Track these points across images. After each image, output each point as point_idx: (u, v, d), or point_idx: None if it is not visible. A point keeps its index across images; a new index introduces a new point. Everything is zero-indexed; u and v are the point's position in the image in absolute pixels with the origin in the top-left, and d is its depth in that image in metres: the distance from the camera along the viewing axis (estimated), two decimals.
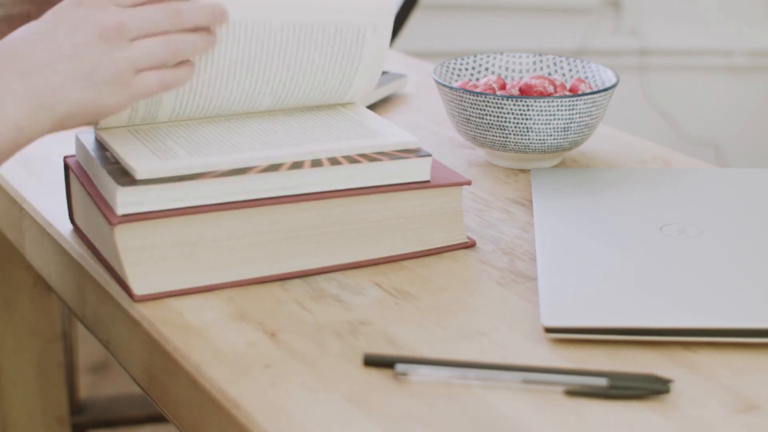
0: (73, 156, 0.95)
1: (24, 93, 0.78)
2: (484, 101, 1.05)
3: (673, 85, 2.91)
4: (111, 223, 0.83)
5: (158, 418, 1.89)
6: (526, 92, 1.09)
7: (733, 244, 0.90)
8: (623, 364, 0.77)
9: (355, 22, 0.92)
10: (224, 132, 0.90)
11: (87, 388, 2.18)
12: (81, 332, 1.93)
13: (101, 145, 0.90)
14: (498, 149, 1.08)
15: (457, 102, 1.07)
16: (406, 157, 0.89)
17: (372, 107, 1.26)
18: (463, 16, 2.79)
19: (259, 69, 0.91)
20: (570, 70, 1.16)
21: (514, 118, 1.05)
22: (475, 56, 1.17)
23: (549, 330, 0.79)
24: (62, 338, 1.57)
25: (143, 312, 0.83)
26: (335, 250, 0.89)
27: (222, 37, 0.88)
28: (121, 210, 0.83)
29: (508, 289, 0.87)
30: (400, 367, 0.75)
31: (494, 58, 1.18)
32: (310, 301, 0.85)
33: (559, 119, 1.05)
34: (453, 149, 1.15)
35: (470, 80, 1.16)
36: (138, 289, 0.84)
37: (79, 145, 0.92)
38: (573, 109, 1.05)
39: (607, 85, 1.10)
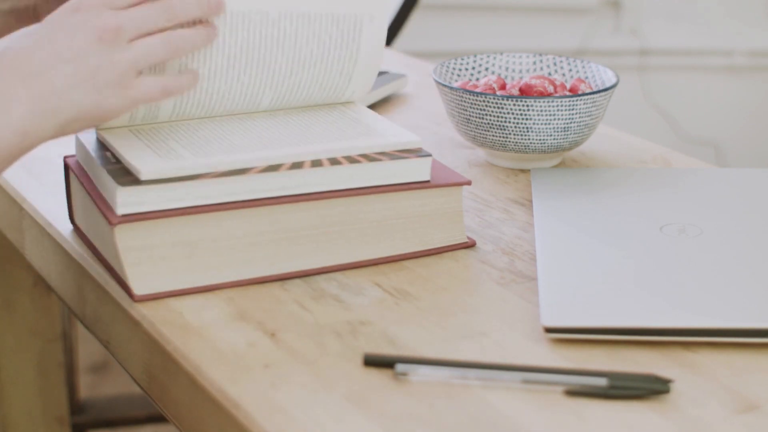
0: (73, 156, 0.95)
1: (28, 98, 0.79)
2: (484, 101, 1.05)
3: (673, 85, 2.91)
4: (111, 223, 0.83)
5: (158, 418, 1.89)
6: (526, 92, 1.09)
7: (733, 244, 0.90)
8: (623, 364, 0.77)
9: (351, 11, 0.93)
10: (226, 132, 0.90)
11: (87, 388, 2.18)
12: (81, 332, 1.93)
13: (101, 145, 0.90)
14: (498, 149, 1.08)
15: (457, 102, 1.07)
16: (406, 157, 0.89)
17: (372, 107, 1.26)
18: (463, 16, 2.79)
19: (258, 61, 0.91)
20: (570, 70, 1.16)
21: (514, 118, 1.05)
22: (475, 56, 1.17)
23: (549, 330, 0.79)
24: (62, 338, 1.57)
25: (143, 312, 0.83)
26: (335, 250, 0.89)
27: (219, 29, 0.88)
28: (121, 210, 0.83)
29: (508, 289, 0.87)
30: (400, 367, 0.75)
31: (494, 58, 1.18)
32: (310, 301, 0.85)
33: (559, 119, 1.05)
34: (453, 149, 1.15)
35: (470, 80, 1.16)
36: (138, 289, 0.84)
37: (79, 145, 0.92)
38: (573, 109, 1.05)
39: (607, 85, 1.10)
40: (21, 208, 1.02)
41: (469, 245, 0.93)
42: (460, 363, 0.75)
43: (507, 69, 1.18)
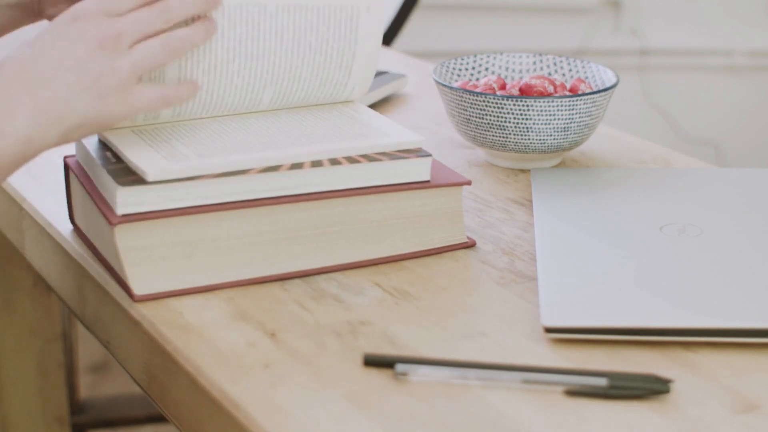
0: (73, 156, 0.95)
1: (32, 105, 0.79)
2: (484, 101, 1.05)
3: (673, 85, 2.91)
4: (111, 223, 0.83)
5: (158, 418, 1.89)
6: (526, 92, 1.09)
7: (733, 244, 0.90)
8: (623, 364, 0.77)
9: (348, 2, 0.93)
10: (229, 131, 0.90)
11: (87, 388, 2.18)
12: (81, 332, 1.93)
13: (101, 145, 0.90)
14: (498, 149, 1.08)
15: (457, 102, 1.07)
16: (406, 157, 0.89)
17: (372, 107, 1.26)
18: (463, 16, 2.79)
19: (257, 54, 0.91)
20: (570, 70, 1.16)
21: (514, 118, 1.05)
22: (475, 56, 1.17)
23: (549, 330, 0.79)
24: (62, 338, 1.57)
25: (143, 312, 0.83)
26: (335, 250, 0.89)
27: (218, 24, 0.88)
28: (121, 210, 0.83)
29: (508, 289, 0.87)
30: (400, 367, 0.75)
31: (494, 58, 1.18)
32: (310, 301, 0.85)
33: (559, 119, 1.05)
34: (453, 149, 1.15)
35: (470, 80, 1.16)
36: (138, 289, 0.84)
37: (79, 145, 0.92)
38: (573, 109, 1.05)
39: (607, 85, 1.10)
40: (21, 208, 1.02)
41: (469, 245, 0.93)
42: (460, 363, 0.75)
43: (507, 69, 1.18)
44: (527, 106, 1.04)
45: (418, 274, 0.89)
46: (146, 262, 0.84)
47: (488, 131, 1.07)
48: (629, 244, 0.90)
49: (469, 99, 1.06)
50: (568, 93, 1.09)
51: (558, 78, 1.12)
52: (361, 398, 0.73)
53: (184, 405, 0.79)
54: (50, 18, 0.98)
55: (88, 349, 2.26)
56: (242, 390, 0.74)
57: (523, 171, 1.09)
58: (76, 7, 0.83)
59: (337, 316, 0.83)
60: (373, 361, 0.76)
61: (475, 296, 0.86)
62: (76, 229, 0.96)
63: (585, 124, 1.07)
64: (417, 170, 0.90)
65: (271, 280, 0.88)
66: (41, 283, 1.51)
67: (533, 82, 1.09)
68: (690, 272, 0.85)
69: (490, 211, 1.00)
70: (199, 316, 0.83)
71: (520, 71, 1.17)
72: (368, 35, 0.94)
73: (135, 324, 0.83)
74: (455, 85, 1.11)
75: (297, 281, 0.88)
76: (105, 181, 0.86)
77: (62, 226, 0.97)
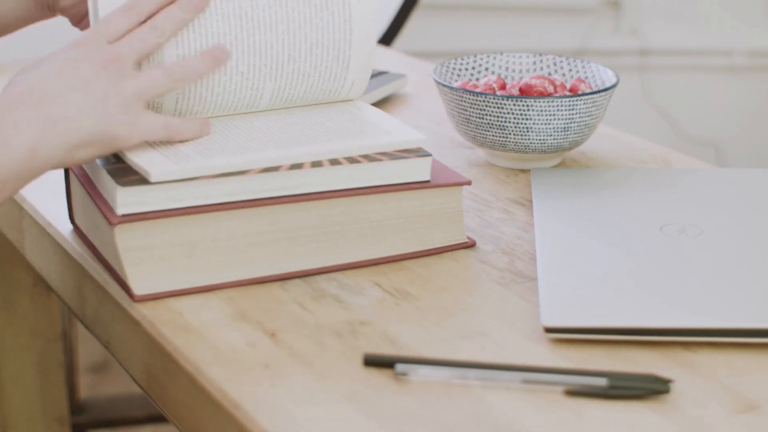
0: None
1: (39, 120, 0.81)
2: (484, 101, 1.05)
3: (673, 85, 2.91)
4: (111, 223, 0.83)
5: (158, 418, 1.89)
6: (526, 92, 1.09)
7: (733, 244, 0.90)
8: (623, 364, 0.77)
9: None
10: (230, 131, 0.90)
11: (87, 388, 2.18)
12: (81, 332, 1.93)
13: None
14: (498, 149, 1.08)
15: (457, 102, 1.07)
16: (406, 157, 0.89)
17: None
18: (463, 16, 2.79)
19: (254, 49, 0.90)
20: (570, 70, 1.16)
21: (514, 118, 1.05)
22: (475, 56, 1.17)
23: (549, 330, 0.79)
24: (62, 338, 1.57)
25: (143, 312, 0.83)
26: (335, 250, 0.89)
27: (210, 16, 0.89)
28: (121, 210, 0.83)
29: (508, 289, 0.87)
30: (400, 367, 0.75)
31: (494, 58, 1.18)
32: (310, 301, 0.85)
33: (559, 119, 1.05)
34: (453, 149, 1.15)
35: (470, 80, 1.16)
36: (138, 289, 0.84)
37: None
38: (573, 109, 1.05)
39: (607, 85, 1.10)
40: (21, 208, 1.02)
41: (469, 245, 0.93)
42: (460, 363, 0.75)
43: (507, 69, 1.18)
44: (527, 106, 1.04)
45: (418, 274, 0.89)
46: (146, 262, 0.84)
47: (488, 131, 1.07)
48: (629, 244, 0.90)
49: (469, 99, 1.06)
50: (568, 93, 1.09)
51: (558, 78, 1.12)
52: (361, 398, 0.73)
53: (184, 405, 0.79)
54: (63, 12, 1.00)
55: (88, 349, 2.26)
56: (242, 390, 0.74)
57: (523, 171, 1.09)
58: (78, 36, 0.86)
59: (337, 316, 0.83)
60: (373, 361, 0.76)
61: (475, 296, 0.86)
62: (76, 229, 0.96)
63: (585, 124, 1.07)
64: (417, 170, 0.90)
65: (271, 280, 0.88)
66: (41, 283, 1.51)
67: (533, 82, 1.09)
68: (690, 272, 0.85)
69: (490, 211, 1.00)
70: (199, 316, 0.83)
71: (520, 71, 1.17)
72: (363, 25, 0.94)
73: (135, 324, 0.83)
74: (455, 85, 1.11)
75: (297, 281, 0.88)
76: (105, 181, 0.86)
77: (62, 226, 0.97)
